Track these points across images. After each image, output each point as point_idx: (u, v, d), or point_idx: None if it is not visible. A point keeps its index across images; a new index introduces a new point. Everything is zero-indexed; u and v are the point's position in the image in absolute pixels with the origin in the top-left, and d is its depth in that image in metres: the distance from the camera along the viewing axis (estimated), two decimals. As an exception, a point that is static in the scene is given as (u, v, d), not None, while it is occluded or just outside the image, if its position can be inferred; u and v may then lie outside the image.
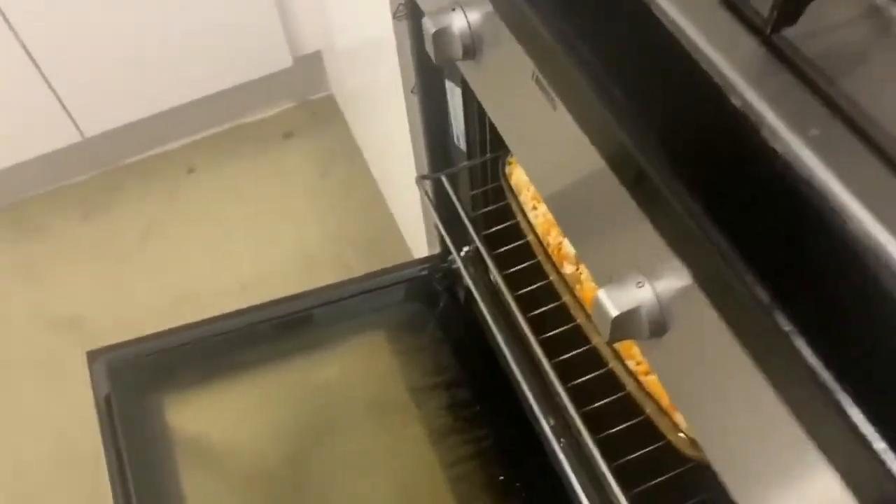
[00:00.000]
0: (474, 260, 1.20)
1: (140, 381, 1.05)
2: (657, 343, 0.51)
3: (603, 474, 0.79)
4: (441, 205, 1.08)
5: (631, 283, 0.49)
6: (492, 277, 1.16)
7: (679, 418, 0.70)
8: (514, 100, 0.61)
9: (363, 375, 1.15)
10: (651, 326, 0.49)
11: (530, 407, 1.06)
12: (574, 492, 0.97)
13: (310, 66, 1.89)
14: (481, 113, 0.94)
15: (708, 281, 0.42)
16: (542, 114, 0.55)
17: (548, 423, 1.04)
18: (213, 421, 1.10)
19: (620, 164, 0.47)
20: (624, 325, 0.49)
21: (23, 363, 1.65)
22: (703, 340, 0.45)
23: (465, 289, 1.21)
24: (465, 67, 0.68)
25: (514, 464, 1.05)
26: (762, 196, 0.41)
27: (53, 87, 1.64)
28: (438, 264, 1.23)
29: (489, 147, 0.98)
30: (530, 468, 1.04)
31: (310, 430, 1.09)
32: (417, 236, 1.43)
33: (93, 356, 1.05)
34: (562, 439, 1.02)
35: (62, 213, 1.87)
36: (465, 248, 1.21)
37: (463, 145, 1.01)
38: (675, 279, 0.47)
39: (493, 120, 0.68)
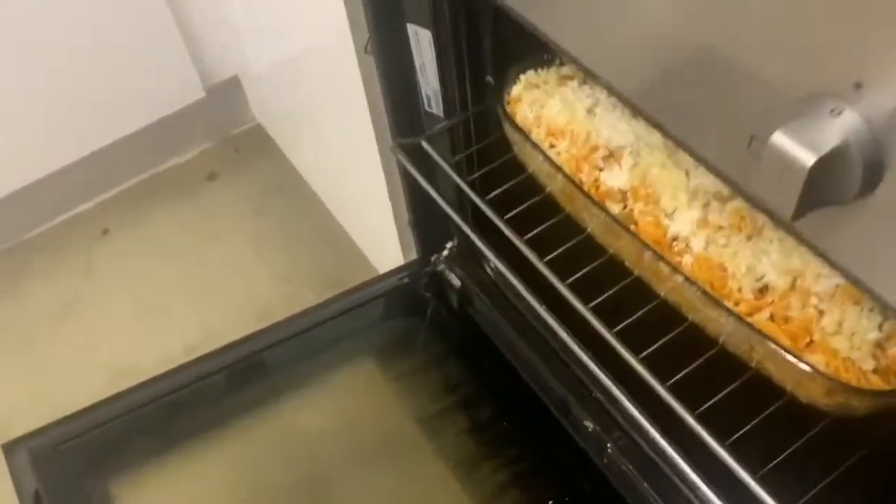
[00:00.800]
0: (462, 254, 1.02)
1: (76, 468, 0.83)
2: (861, 206, 0.33)
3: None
4: (416, 188, 0.90)
5: (822, 112, 0.32)
6: (490, 265, 0.98)
7: (817, 358, 0.53)
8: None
9: (357, 414, 0.95)
10: (866, 172, 0.31)
11: (567, 410, 0.88)
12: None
13: (227, 96, 1.71)
14: (459, 56, 0.76)
15: None
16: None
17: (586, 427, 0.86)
18: (178, 502, 0.87)
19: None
20: (826, 178, 0.32)
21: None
22: None
23: (457, 291, 1.02)
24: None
25: (563, 482, 0.85)
26: None
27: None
28: (421, 268, 1.04)
29: (471, 102, 0.81)
30: (583, 482, 0.85)
31: (302, 488, 0.87)
32: (385, 250, 1.24)
33: (10, 448, 0.82)
34: (608, 444, 0.84)
35: (-40, 304, 1.60)
36: (450, 244, 1.03)
37: (436, 107, 0.84)
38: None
39: (533, 21, 0.51)
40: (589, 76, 0.50)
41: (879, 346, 0.53)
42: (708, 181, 0.61)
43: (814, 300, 0.54)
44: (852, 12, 0.30)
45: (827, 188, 0.32)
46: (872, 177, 0.32)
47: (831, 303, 0.54)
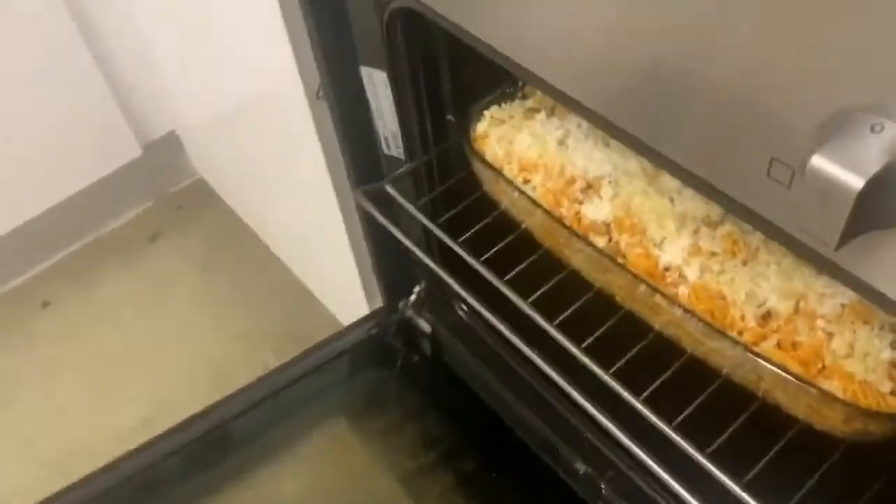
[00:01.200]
0: (430, 298, 0.97)
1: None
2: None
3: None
4: (380, 233, 0.85)
5: (862, 129, 0.29)
6: (462, 307, 0.94)
7: (833, 384, 0.50)
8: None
9: (335, 478, 0.89)
10: (917, 192, 0.29)
11: (556, 453, 0.84)
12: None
13: (165, 152, 1.64)
14: (418, 95, 0.73)
15: None
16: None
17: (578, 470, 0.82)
18: None
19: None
20: (874, 201, 0.29)
21: None
22: None
23: (428, 336, 0.97)
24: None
25: (562, 530, 0.81)
26: None
27: None
28: (388, 316, 1.00)
29: (433, 141, 0.77)
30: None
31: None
32: (348, 300, 1.19)
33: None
34: (602, 485, 0.80)
35: None
36: (417, 288, 0.98)
37: (396, 149, 0.80)
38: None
39: (496, 47, 0.48)
40: (572, 108, 0.47)
41: (894, 365, 0.50)
42: (694, 206, 0.59)
43: (821, 323, 0.52)
44: (890, 16, 0.27)
45: (874, 212, 0.29)
46: (922, 195, 0.29)
47: (839, 324, 0.52)
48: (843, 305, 0.52)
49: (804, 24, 0.31)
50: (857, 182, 0.28)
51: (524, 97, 0.70)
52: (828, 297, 0.53)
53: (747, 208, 0.37)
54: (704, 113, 0.38)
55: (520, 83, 0.71)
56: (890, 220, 0.29)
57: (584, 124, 0.65)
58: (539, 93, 0.70)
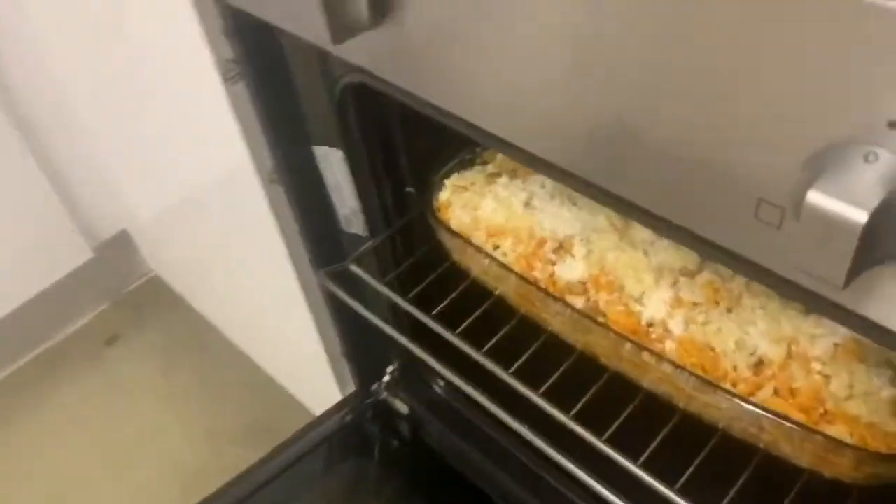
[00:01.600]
0: (405, 377, 0.94)
1: None
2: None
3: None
4: (348, 314, 0.82)
5: (854, 160, 0.28)
6: (440, 384, 0.91)
7: (838, 429, 0.47)
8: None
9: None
10: (922, 220, 0.27)
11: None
12: None
13: (117, 252, 1.60)
14: (375, 170, 0.71)
15: None
16: None
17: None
18: None
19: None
20: (878, 235, 0.27)
21: None
22: None
23: (405, 417, 0.93)
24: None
25: None
26: None
27: None
28: (362, 401, 0.96)
29: (394, 216, 0.75)
30: None
31: None
32: (318, 388, 1.14)
33: None
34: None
35: None
36: (390, 368, 0.95)
37: (357, 227, 0.78)
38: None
39: (455, 112, 0.46)
40: (536, 166, 0.45)
41: (896, 402, 0.48)
42: (669, 257, 0.57)
43: (816, 365, 0.50)
44: (875, 39, 0.26)
45: (880, 245, 0.27)
46: (927, 223, 0.27)
47: (835, 365, 0.50)
48: (835, 345, 0.50)
49: (775, 61, 0.29)
50: (860, 216, 0.26)
51: (484, 163, 0.69)
52: (819, 338, 0.51)
53: (736, 254, 0.36)
54: (678, 160, 0.36)
55: (478, 149, 0.70)
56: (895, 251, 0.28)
57: (549, 184, 0.64)
58: (499, 157, 0.68)
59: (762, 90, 0.30)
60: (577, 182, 0.43)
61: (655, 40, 0.33)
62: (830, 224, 0.27)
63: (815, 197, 0.27)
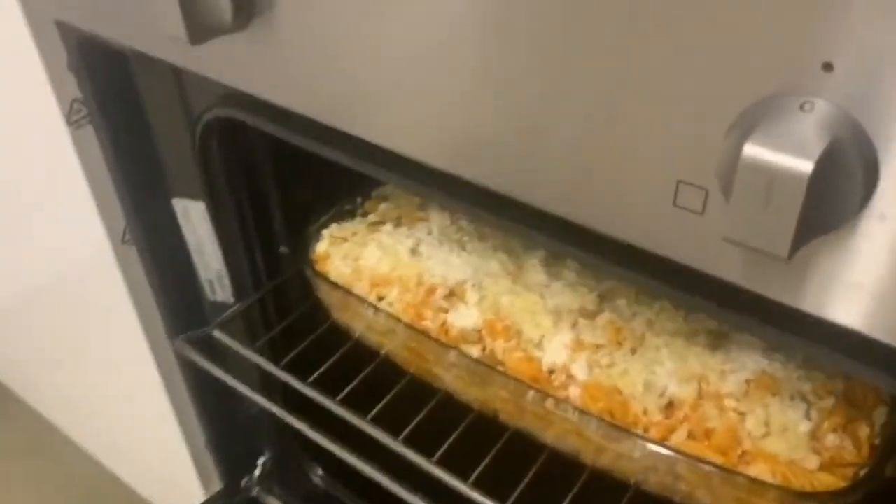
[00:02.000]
0: (279, 468, 0.84)
1: None
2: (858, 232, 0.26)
3: None
4: (210, 392, 0.73)
5: (790, 110, 0.25)
6: (318, 472, 0.81)
7: (759, 468, 0.44)
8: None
9: None
10: (865, 173, 0.24)
11: None
12: None
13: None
14: (244, 226, 0.64)
15: None
16: None
17: None
18: None
19: None
20: (824, 191, 0.24)
21: None
22: None
23: (283, 513, 0.83)
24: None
25: None
26: None
27: None
28: (230, 500, 0.84)
29: (265, 276, 0.68)
30: None
31: None
32: (177, 490, 1.01)
33: None
34: None
35: None
36: (261, 459, 0.85)
37: (223, 291, 0.70)
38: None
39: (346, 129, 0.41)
40: (436, 193, 0.40)
41: (814, 437, 0.45)
42: (566, 298, 0.53)
43: (730, 402, 0.46)
44: None
45: (825, 205, 0.24)
46: (869, 179, 0.24)
47: (749, 401, 0.46)
48: (747, 381, 0.47)
49: (684, 18, 0.27)
50: (805, 166, 0.23)
51: (365, 213, 0.64)
52: (729, 374, 0.48)
53: (654, 255, 0.32)
54: (587, 157, 0.33)
55: (358, 199, 0.65)
56: (842, 214, 0.24)
57: (436, 230, 0.59)
58: (381, 206, 0.64)
59: (674, 54, 0.27)
60: (477, 206, 0.39)
61: (550, 19, 0.30)
62: (773, 178, 0.23)
63: (753, 151, 0.23)
